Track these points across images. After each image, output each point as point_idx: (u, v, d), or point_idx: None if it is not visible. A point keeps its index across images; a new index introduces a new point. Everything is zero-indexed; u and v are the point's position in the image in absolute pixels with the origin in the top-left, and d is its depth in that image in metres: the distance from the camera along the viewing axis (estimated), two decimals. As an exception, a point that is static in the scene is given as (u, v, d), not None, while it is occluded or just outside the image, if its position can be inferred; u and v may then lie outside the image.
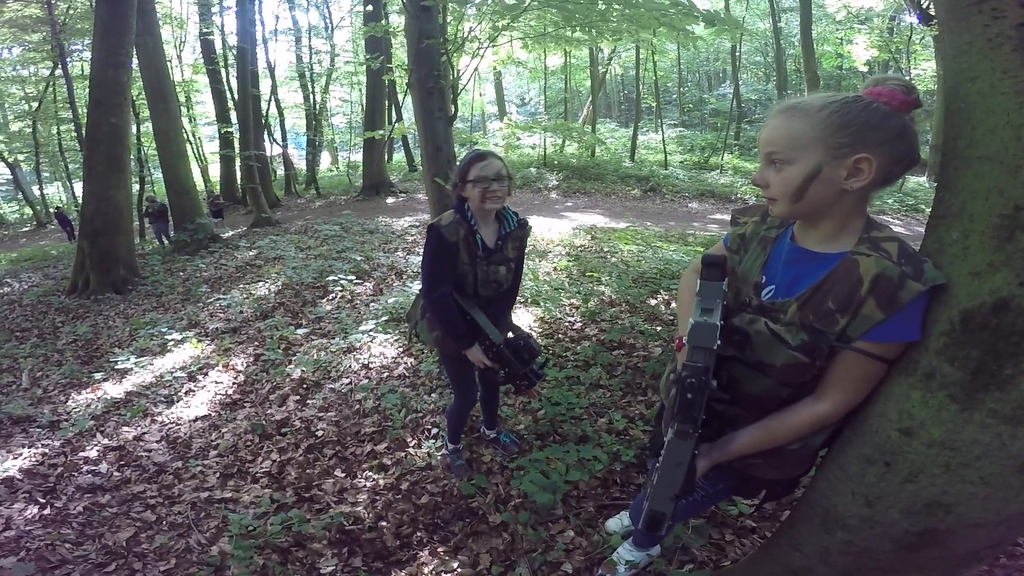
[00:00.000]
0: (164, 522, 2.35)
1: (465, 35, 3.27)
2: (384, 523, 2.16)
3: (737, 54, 18.20)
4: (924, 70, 14.43)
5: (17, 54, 17.53)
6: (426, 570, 1.91)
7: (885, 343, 0.88)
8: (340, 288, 5.89)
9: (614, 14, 3.02)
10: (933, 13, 12.70)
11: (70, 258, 9.39)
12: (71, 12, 14.20)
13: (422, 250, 2.04)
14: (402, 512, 2.21)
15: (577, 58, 16.35)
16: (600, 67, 17.01)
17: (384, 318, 4.75)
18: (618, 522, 1.99)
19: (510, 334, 2.02)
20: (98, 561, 2.13)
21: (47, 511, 2.50)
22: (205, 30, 15.63)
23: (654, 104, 18.25)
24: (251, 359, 4.35)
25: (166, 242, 10.82)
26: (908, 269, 0.83)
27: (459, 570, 1.90)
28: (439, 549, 2.00)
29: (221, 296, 6.43)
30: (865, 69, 15.71)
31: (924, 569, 1.00)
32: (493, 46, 3.47)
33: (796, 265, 1.00)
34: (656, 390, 3.02)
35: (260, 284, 6.85)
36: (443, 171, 3.17)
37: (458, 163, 1.93)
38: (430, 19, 2.80)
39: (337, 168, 23.08)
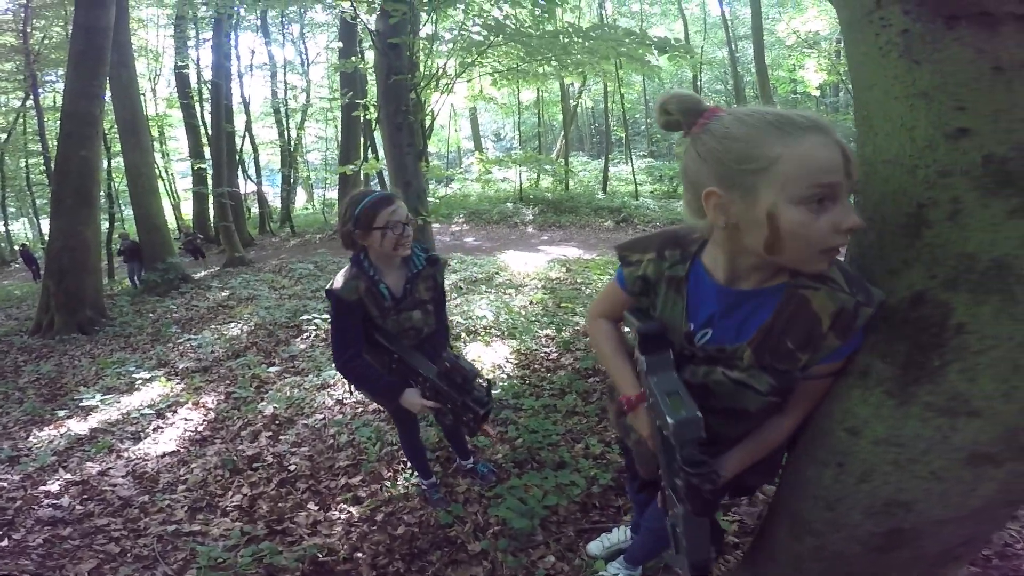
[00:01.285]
0: (129, 554, 2.27)
1: (434, 71, 3.39)
2: (360, 554, 2.12)
3: (699, 83, 19.02)
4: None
5: None
6: (402, 600, 1.88)
7: (840, 361, 0.91)
8: (314, 327, 5.84)
9: (575, 47, 3.19)
10: None
11: (34, 298, 9.14)
12: (46, 41, 14.11)
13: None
14: (378, 543, 2.17)
15: (550, 92, 16.93)
16: (572, 101, 17.59)
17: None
18: (599, 545, 1.98)
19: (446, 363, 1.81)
20: None
21: (4, 543, 2.40)
22: (180, 63, 15.67)
23: (623, 135, 18.84)
24: (222, 397, 4.27)
25: (138, 282, 10.57)
26: (861, 297, 0.83)
27: (436, 599, 1.87)
28: (415, 579, 1.97)
29: (192, 336, 6.31)
30: (818, 93, 16.50)
31: (900, 571, 1.00)
32: (461, 81, 3.60)
33: (733, 307, 0.93)
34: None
35: (232, 324, 6.74)
36: (412, 205, 3.23)
37: (352, 208, 1.75)
38: (399, 56, 2.91)
39: (312, 206, 23.05)
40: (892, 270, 0.83)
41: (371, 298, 1.77)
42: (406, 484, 2.60)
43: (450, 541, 2.15)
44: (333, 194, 18.38)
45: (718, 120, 0.82)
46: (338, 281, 1.78)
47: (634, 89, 20.53)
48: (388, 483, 2.64)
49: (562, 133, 19.30)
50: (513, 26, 3.04)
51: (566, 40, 3.13)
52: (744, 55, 18.90)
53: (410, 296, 1.85)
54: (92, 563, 2.24)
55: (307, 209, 23.04)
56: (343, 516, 2.41)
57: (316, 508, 2.51)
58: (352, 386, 2.02)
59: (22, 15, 13.38)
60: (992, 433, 0.80)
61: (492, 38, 3.06)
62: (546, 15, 3.52)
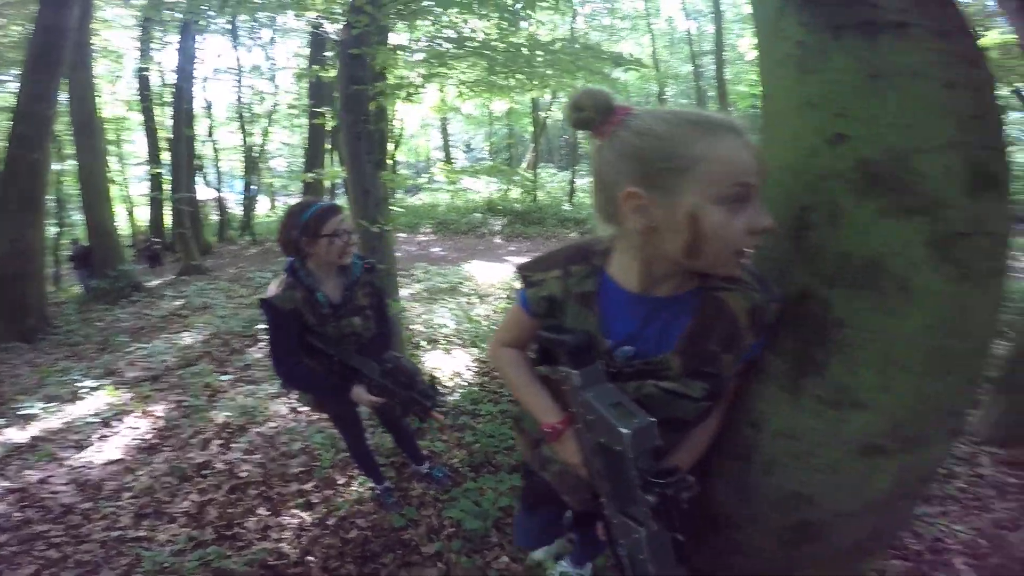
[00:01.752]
0: (70, 560, 2.21)
1: (400, 81, 3.45)
2: (311, 558, 2.11)
3: (664, 97, 19.55)
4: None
5: None
6: (352, 602, 1.89)
7: (755, 356, 0.94)
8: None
9: (538, 60, 3.30)
10: None
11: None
12: (3, 40, 13.48)
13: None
14: (329, 546, 2.17)
15: (521, 104, 17.15)
16: (542, 113, 17.83)
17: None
18: (541, 552, 1.97)
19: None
20: None
21: None
22: (143, 65, 15.18)
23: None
24: (172, 405, 4.14)
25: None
26: (768, 294, 0.86)
27: (386, 600, 1.89)
28: (367, 581, 1.98)
29: (142, 345, 6.09)
30: None
31: (816, 567, 1.02)
32: (423, 92, 3.66)
33: (650, 317, 0.90)
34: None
35: (185, 334, 6.54)
36: (371, 214, 3.26)
37: (299, 215, 1.77)
38: (361, 66, 2.95)
39: (275, 213, 22.58)
40: (781, 270, 0.90)
41: (308, 306, 1.79)
42: (359, 489, 2.60)
43: (404, 543, 2.17)
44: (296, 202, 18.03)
45: (637, 118, 0.80)
46: (272, 290, 1.78)
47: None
48: (341, 488, 2.64)
49: (532, 145, 19.55)
50: (477, 41, 3.13)
51: (528, 54, 3.24)
52: (708, 70, 19.57)
53: (350, 303, 1.88)
54: (31, 569, 2.18)
55: (269, 216, 22.56)
56: (295, 521, 2.39)
57: (267, 513, 2.48)
58: (297, 395, 2.02)
59: None
60: (879, 425, 0.86)
61: (454, 49, 3.13)
62: (512, 28, 3.62)
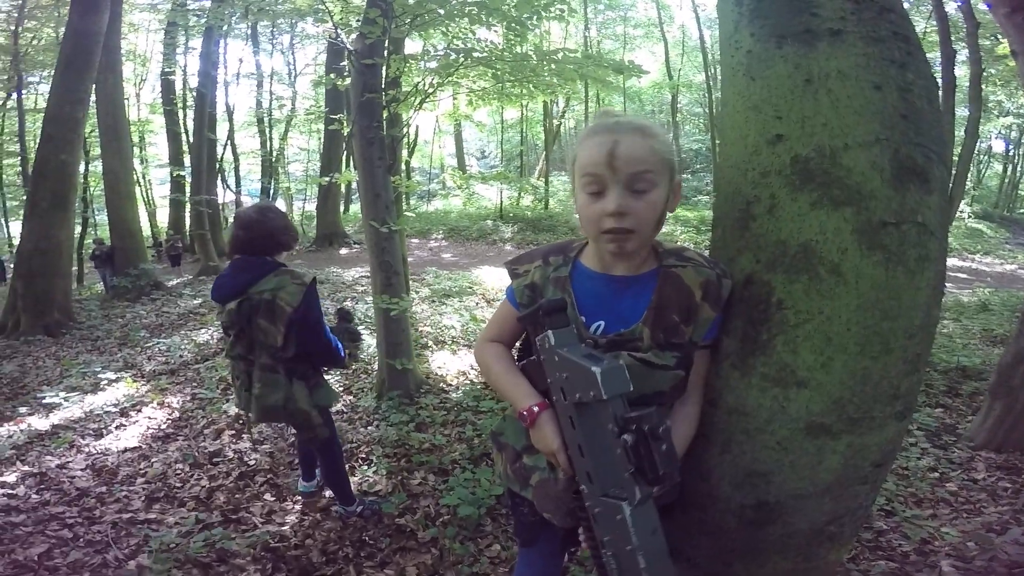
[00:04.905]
0: (81, 539, 2.32)
1: (409, 90, 3.57)
2: (310, 541, 2.21)
3: (677, 105, 19.56)
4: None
5: None
6: (349, 582, 1.98)
7: (719, 335, 1.00)
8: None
9: (543, 69, 3.41)
10: None
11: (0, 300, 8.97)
12: (35, 43, 13.95)
13: (310, 309, 1.97)
14: (329, 531, 2.26)
15: (533, 111, 17.28)
16: (555, 120, 17.98)
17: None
18: None
19: None
20: (5, 574, 2.08)
21: None
22: (167, 69, 15.61)
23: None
24: (187, 398, 4.29)
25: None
26: (719, 269, 0.96)
27: (382, 582, 1.97)
28: (365, 564, 2.07)
29: (161, 340, 6.29)
30: None
31: (778, 551, 1.05)
32: (433, 101, 3.78)
33: (617, 292, 0.99)
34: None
35: (203, 330, 6.73)
36: (380, 216, 3.37)
37: (287, 219, 2.13)
38: (374, 75, 3.07)
39: (292, 217, 22.95)
40: (731, 258, 0.98)
41: None
42: (361, 478, 2.69)
43: (400, 530, 2.26)
44: (313, 206, 18.33)
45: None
46: (307, 276, 2.00)
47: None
48: (350, 477, 2.73)
49: (544, 153, 19.70)
50: (483, 51, 3.25)
51: (534, 63, 3.35)
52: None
53: None
54: (43, 547, 2.28)
55: (288, 221, 22.97)
56: (297, 507, 2.49)
57: (272, 499, 2.59)
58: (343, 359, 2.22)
59: (15, 15, 13.29)
60: (821, 403, 0.92)
61: (461, 59, 3.25)
62: (519, 38, 3.74)
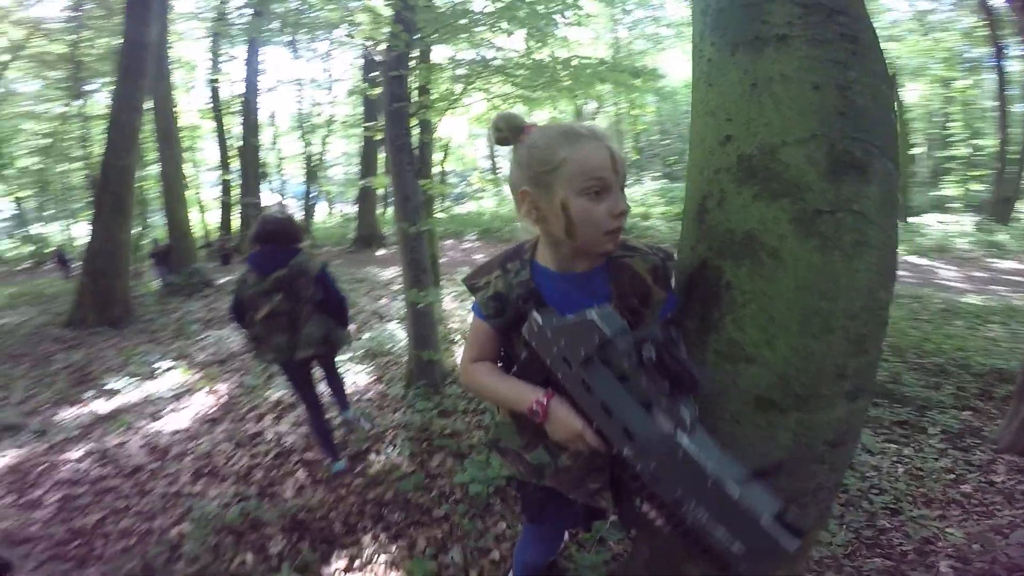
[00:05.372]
0: (132, 510, 2.60)
1: (434, 97, 3.75)
2: (334, 514, 2.40)
3: None
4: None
5: (36, 90, 18.15)
6: (366, 552, 2.14)
7: (671, 313, 1.09)
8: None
9: (562, 75, 3.53)
10: None
11: (66, 295, 9.71)
12: (92, 51, 14.81)
13: (332, 284, 2.78)
14: (352, 505, 2.45)
15: (564, 113, 17.31)
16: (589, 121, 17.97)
17: (361, 352, 5.07)
18: None
19: None
20: (62, 539, 2.37)
21: (22, 499, 2.75)
22: (213, 77, 16.37)
23: (637, 157, 19.09)
24: (234, 385, 4.62)
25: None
26: (662, 254, 1.05)
27: (396, 552, 2.13)
28: (380, 535, 2.24)
29: (211, 333, 6.73)
30: None
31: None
32: (462, 106, 3.96)
33: (583, 289, 1.04)
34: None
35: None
36: (410, 217, 3.57)
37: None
38: (400, 85, 3.26)
39: (332, 219, 23.73)
40: (691, 247, 1.08)
41: None
42: (383, 458, 2.88)
43: (417, 506, 2.42)
44: (354, 208, 18.91)
45: (531, 134, 1.00)
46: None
47: (649, 111, 20.94)
48: (372, 459, 2.93)
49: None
50: (502, 60, 3.40)
51: (554, 68, 3.48)
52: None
53: None
54: (99, 515, 2.57)
55: (326, 223, 23.77)
56: (325, 483, 2.70)
57: (304, 476, 2.80)
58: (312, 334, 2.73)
59: (74, 24, 14.26)
60: (767, 378, 0.99)
61: (479, 69, 3.41)
62: (539, 44, 3.87)
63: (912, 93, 15.07)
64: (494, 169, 23.23)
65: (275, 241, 2.61)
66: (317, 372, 2.97)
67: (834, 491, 1.17)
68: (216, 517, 2.40)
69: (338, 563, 2.05)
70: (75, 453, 3.35)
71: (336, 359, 3.08)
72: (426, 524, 2.30)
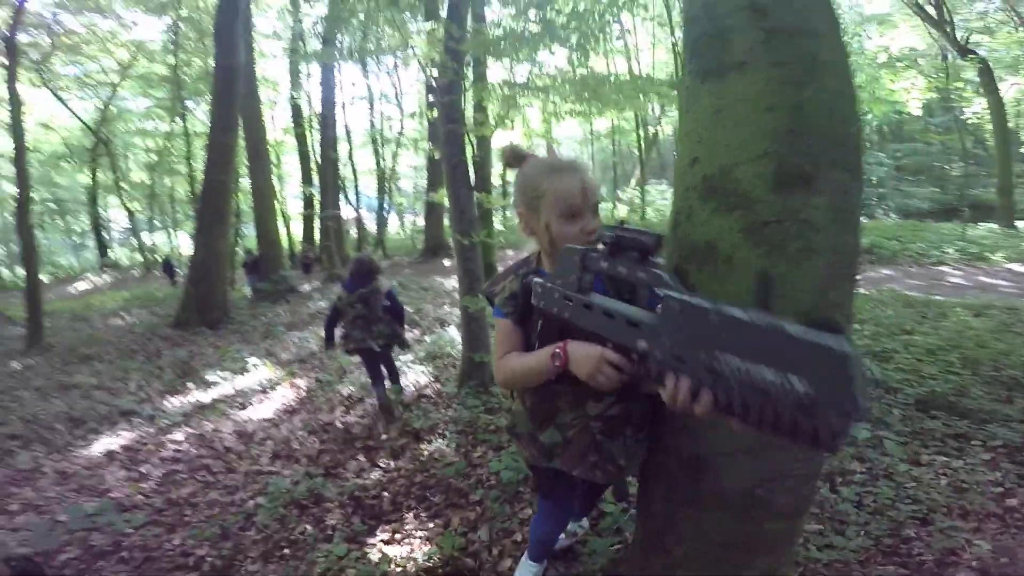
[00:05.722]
0: (219, 484, 3.03)
1: (484, 117, 4.04)
2: (386, 493, 2.69)
3: None
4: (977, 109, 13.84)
5: (144, 110, 20.23)
6: (407, 527, 2.39)
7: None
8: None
9: (605, 89, 3.71)
10: (970, 47, 12.47)
11: (172, 300, 10.96)
12: (189, 73, 16.13)
13: (396, 298, 3.89)
14: (400, 486, 2.74)
15: (627, 119, 17.03)
16: (651, 127, 17.62)
17: (423, 354, 5.46)
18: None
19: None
20: (160, 507, 2.82)
21: (132, 473, 3.29)
22: (294, 94, 17.48)
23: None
24: (312, 380, 5.14)
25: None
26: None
27: (432, 529, 2.36)
28: (421, 514, 2.49)
29: (294, 334, 7.44)
30: (919, 113, 15.26)
31: (716, 505, 1.20)
32: (520, 120, 4.22)
33: None
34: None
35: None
36: (465, 230, 3.88)
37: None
38: (454, 108, 3.57)
39: (403, 231, 24.85)
40: (668, 255, 1.23)
41: None
42: (431, 447, 3.17)
43: (457, 490, 2.66)
44: (422, 220, 19.71)
45: (526, 164, 1.24)
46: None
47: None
48: (423, 448, 3.23)
49: (640, 161, 19.45)
50: (544, 80, 3.63)
51: (593, 85, 3.67)
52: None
53: None
54: (191, 488, 3.03)
55: (399, 234, 24.88)
56: (381, 467, 3.02)
57: (364, 460, 3.14)
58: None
59: (172, 47, 15.76)
60: None
61: (527, 87, 3.66)
62: (584, 58, 4.07)
63: (1012, 88, 13.66)
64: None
65: (360, 273, 3.78)
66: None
67: (807, 481, 1.23)
68: (286, 492, 2.76)
69: (382, 535, 2.32)
70: (177, 435, 3.91)
71: (393, 352, 4.00)
72: (462, 506, 2.53)
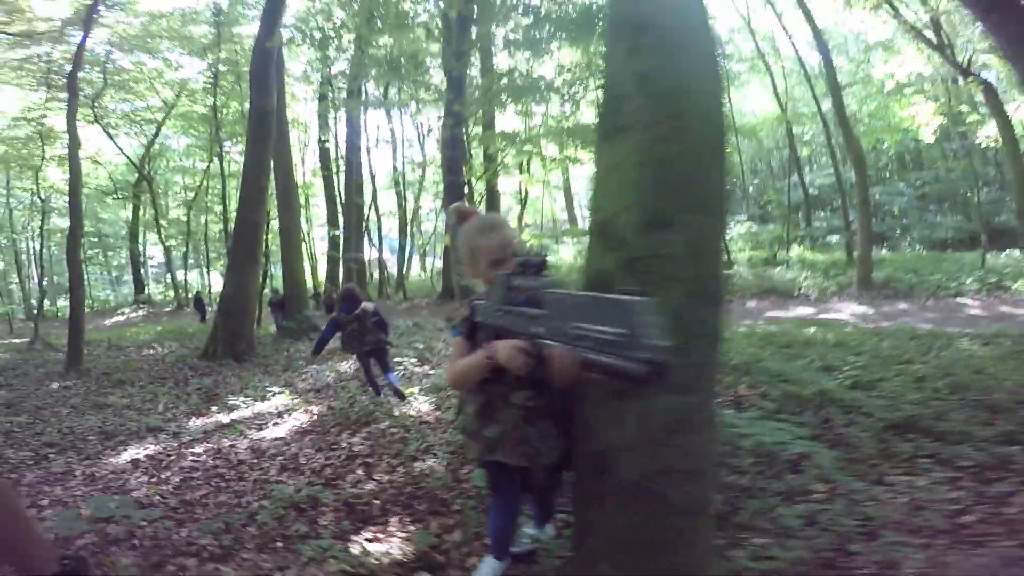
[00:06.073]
0: (230, 489, 3.35)
1: (484, 165, 4.47)
2: (376, 500, 2.96)
3: (793, 138, 18.46)
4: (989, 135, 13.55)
5: (184, 148, 21.19)
6: (391, 528, 2.65)
7: None
8: (403, 368, 7.09)
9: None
10: (972, 70, 12.29)
11: (202, 335, 11.56)
12: (226, 114, 16.84)
13: (381, 315, 5.32)
14: (390, 495, 3.01)
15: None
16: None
17: (428, 385, 5.78)
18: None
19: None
20: (175, 506, 3.15)
21: (153, 478, 3.65)
22: (323, 137, 18.23)
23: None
24: (325, 407, 5.49)
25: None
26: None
27: (413, 531, 2.61)
28: (405, 519, 2.75)
29: (312, 368, 7.86)
30: (932, 140, 14.93)
31: (617, 499, 1.36)
32: (505, 172, 4.63)
33: None
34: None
35: (344, 363, 8.17)
36: (465, 273, 4.28)
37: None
38: (456, 161, 4.03)
39: (424, 273, 25.48)
40: (581, 285, 1.55)
41: None
42: (424, 465, 3.44)
43: (441, 500, 2.92)
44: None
45: (467, 222, 1.69)
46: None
47: (730, 149, 20.55)
48: (416, 465, 3.49)
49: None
50: (534, 131, 4.05)
51: (586, 131, 4.06)
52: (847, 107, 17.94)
53: None
54: (204, 491, 3.36)
55: (421, 276, 25.48)
56: (376, 479, 3.30)
57: (362, 474, 3.43)
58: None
59: (211, 87, 16.43)
60: None
61: (519, 141, 4.08)
62: (575, 109, 4.50)
63: (1020, 109, 13.58)
64: (573, 219, 23.92)
65: (349, 299, 5.24)
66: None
67: (696, 477, 1.38)
68: (288, 497, 3.06)
69: (366, 535, 2.58)
70: (197, 449, 4.27)
71: (386, 352, 5.43)
72: (443, 514, 2.77)
